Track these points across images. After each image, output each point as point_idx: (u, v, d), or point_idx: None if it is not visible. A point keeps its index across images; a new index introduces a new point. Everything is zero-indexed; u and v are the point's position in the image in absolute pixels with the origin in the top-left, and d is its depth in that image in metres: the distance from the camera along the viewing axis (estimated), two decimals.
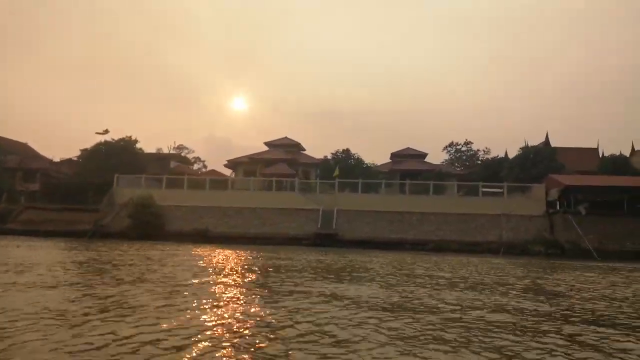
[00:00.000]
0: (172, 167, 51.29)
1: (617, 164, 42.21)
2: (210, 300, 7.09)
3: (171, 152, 62.15)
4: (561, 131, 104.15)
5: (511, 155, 47.41)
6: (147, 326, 5.06)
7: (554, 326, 5.96)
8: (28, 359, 3.79)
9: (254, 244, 30.47)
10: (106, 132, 42.89)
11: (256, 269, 13.27)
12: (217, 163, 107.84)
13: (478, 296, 8.63)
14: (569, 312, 7.25)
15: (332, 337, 4.91)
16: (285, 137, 56.47)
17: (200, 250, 21.24)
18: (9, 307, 5.81)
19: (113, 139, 43.41)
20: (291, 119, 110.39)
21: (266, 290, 8.51)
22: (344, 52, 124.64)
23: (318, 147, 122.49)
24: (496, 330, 5.55)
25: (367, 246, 31.43)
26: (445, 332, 5.34)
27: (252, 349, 4.31)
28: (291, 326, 5.35)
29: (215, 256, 17.88)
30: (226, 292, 8.22)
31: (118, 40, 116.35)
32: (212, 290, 8.39)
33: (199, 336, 4.70)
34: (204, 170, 63.67)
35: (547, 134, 50.97)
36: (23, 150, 52.52)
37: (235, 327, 5.24)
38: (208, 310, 6.24)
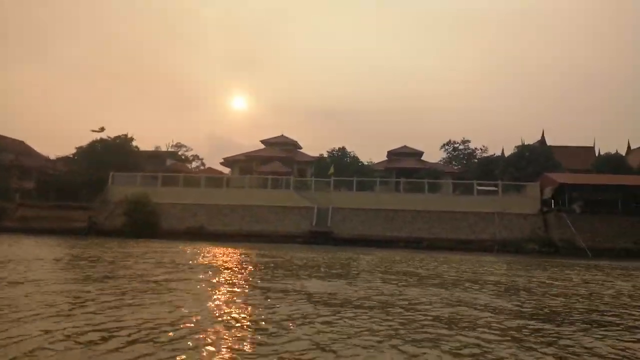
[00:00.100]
0: (168, 165, 51.41)
1: (613, 163, 42.14)
2: (167, 295, 7.15)
3: (169, 150, 62.28)
4: (559, 130, 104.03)
5: (508, 154, 47.38)
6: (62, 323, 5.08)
7: (495, 320, 5.99)
8: None
9: (248, 242, 30.55)
10: (102, 129, 43.09)
11: (232, 265, 13.34)
12: (218, 161, 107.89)
13: (439, 292, 8.66)
14: (521, 307, 7.28)
15: (260, 330, 4.97)
16: (282, 135, 56.54)
17: (190, 248, 21.30)
18: None
19: (109, 137, 43.58)
20: (290, 118, 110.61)
21: (226, 286, 8.58)
22: (343, 52, 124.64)
23: (316, 146, 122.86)
24: (431, 324, 5.58)
25: (361, 244, 31.52)
26: (379, 325, 5.39)
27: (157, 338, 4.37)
28: (221, 319, 5.40)
29: (199, 253, 17.96)
30: (188, 287, 8.28)
31: (122, 41, 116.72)
32: (173, 286, 8.44)
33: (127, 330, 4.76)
34: (202, 168, 63.78)
35: (542, 132, 51.09)
36: (20, 148, 52.74)
37: (165, 322, 5.30)
38: (152, 304, 6.30)
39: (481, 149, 60.91)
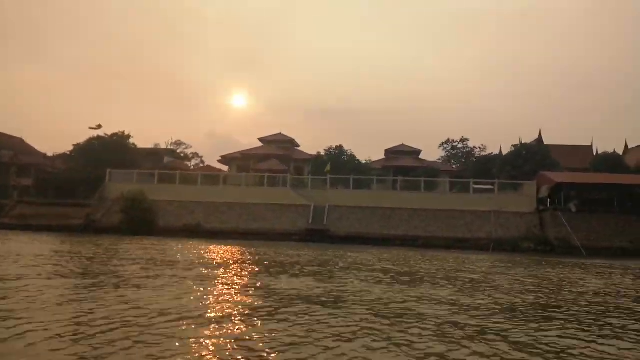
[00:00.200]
0: (165, 162, 51.51)
1: (610, 162, 41.94)
2: (136, 291, 7.27)
3: (169, 147, 62.48)
4: (557, 129, 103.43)
5: (505, 153, 47.30)
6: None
7: (439, 314, 6.07)
8: None
9: (245, 239, 30.60)
10: (99, 127, 43.31)
11: (215, 263, 13.47)
12: (217, 159, 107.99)
13: (404, 289, 8.74)
14: (483, 303, 7.35)
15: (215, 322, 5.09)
16: (280, 133, 56.54)
17: (182, 245, 21.42)
18: None
19: (106, 134, 43.85)
20: (289, 117, 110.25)
21: (198, 281, 8.69)
22: (343, 52, 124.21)
23: (314, 144, 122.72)
24: (377, 320, 5.67)
25: (357, 242, 31.52)
26: (328, 322, 5.48)
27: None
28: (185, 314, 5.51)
29: (187, 251, 18.10)
30: (156, 283, 8.41)
31: (122, 40, 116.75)
32: (141, 283, 8.57)
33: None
34: (201, 165, 63.94)
35: (540, 131, 50.98)
36: (18, 146, 53.00)
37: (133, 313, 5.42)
38: (117, 300, 6.43)
39: (479, 148, 60.84)
